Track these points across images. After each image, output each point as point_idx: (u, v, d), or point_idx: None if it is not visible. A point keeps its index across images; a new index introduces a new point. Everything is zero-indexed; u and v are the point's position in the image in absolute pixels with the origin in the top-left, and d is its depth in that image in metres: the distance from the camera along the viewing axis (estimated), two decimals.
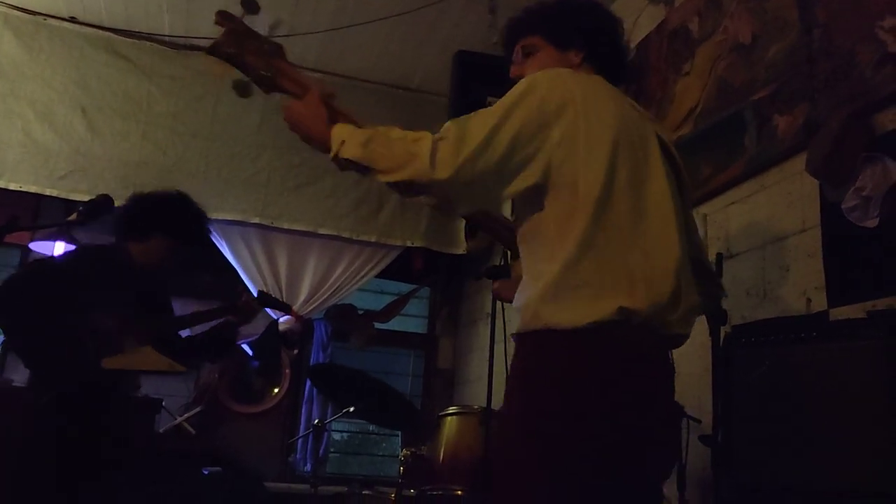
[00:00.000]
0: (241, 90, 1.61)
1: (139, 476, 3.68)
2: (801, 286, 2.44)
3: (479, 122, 1.40)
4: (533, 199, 1.44)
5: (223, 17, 1.60)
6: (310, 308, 4.95)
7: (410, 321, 5.73)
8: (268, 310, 4.84)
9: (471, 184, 1.38)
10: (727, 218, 2.88)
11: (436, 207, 1.46)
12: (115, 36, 4.59)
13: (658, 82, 3.48)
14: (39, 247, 4.71)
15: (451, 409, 2.64)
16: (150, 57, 4.67)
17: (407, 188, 1.40)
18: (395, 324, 5.56)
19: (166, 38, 4.68)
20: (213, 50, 1.57)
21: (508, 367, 1.44)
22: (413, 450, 2.67)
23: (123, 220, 2.83)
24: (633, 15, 3.80)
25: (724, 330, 2.28)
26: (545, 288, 1.38)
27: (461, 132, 1.39)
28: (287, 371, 5.26)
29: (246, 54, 1.57)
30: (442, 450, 2.55)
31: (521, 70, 1.69)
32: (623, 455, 1.31)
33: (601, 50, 1.69)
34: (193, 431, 4.62)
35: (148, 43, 4.67)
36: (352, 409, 2.96)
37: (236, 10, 1.66)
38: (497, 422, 2.37)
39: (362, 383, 2.90)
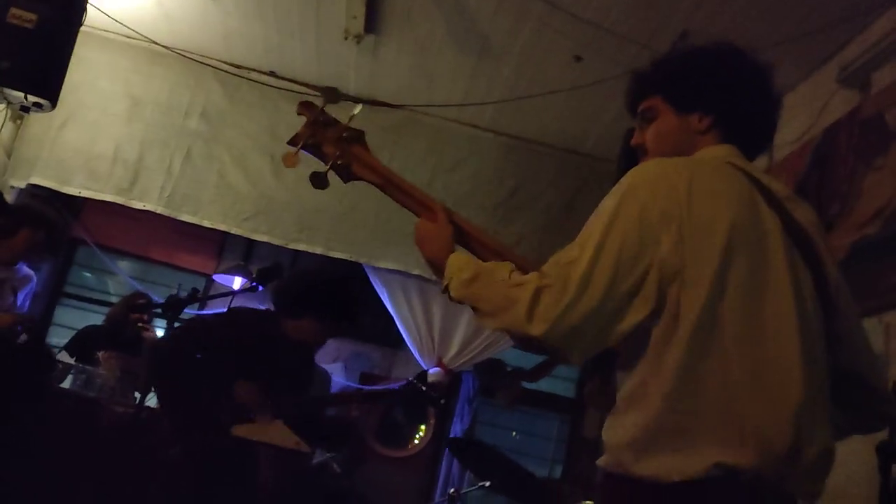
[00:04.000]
0: (318, 182, 1.52)
1: None
2: None
3: (576, 260, 1.20)
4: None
5: (305, 107, 1.56)
6: (460, 362, 5.02)
7: (559, 383, 5.66)
8: (419, 358, 4.98)
9: (573, 334, 1.17)
10: None
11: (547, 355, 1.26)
12: (306, 90, 4.93)
13: (845, 174, 3.26)
14: (221, 279, 5.13)
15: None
16: (335, 111, 4.95)
17: (509, 336, 1.22)
18: (543, 384, 5.51)
19: (350, 95, 4.98)
20: (293, 141, 1.53)
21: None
22: None
23: (280, 295, 2.94)
24: (822, 97, 3.60)
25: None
26: (632, 431, 1.20)
27: (563, 273, 1.19)
28: (432, 420, 5.37)
29: (324, 143, 1.52)
30: None
31: (640, 139, 1.46)
32: None
33: (733, 114, 1.40)
34: (339, 470, 4.79)
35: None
36: (488, 483, 2.97)
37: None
38: None
39: (502, 463, 2.90)
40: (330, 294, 2.90)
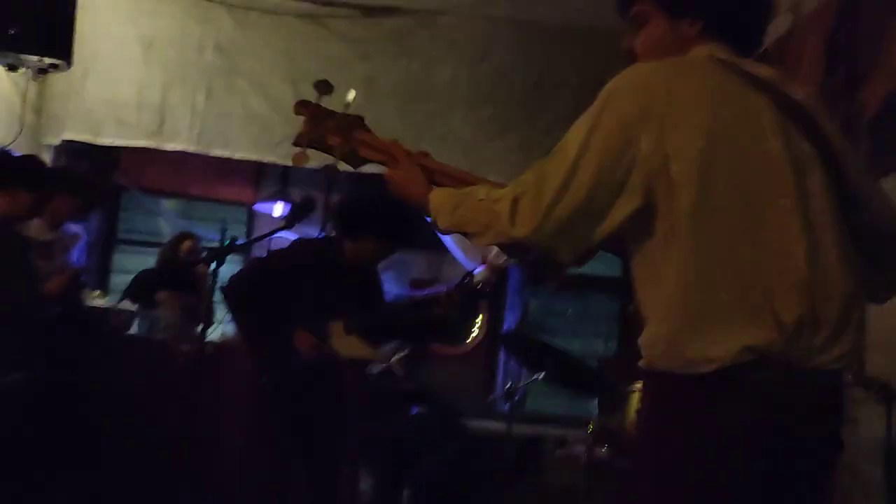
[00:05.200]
0: (330, 173, 1.63)
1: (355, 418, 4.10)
2: None
3: (557, 162, 1.29)
4: (639, 219, 1.28)
5: (301, 105, 1.60)
6: (504, 257, 5.09)
7: (605, 264, 5.72)
8: (463, 260, 5.08)
9: (559, 232, 1.27)
10: None
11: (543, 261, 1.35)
12: (315, 5, 4.86)
13: (874, 23, 3.12)
14: (262, 207, 5.25)
15: (639, 385, 2.66)
16: (346, 23, 4.90)
17: (502, 250, 1.33)
18: (591, 266, 5.56)
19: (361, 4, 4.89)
20: (298, 141, 1.59)
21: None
22: (601, 422, 2.75)
23: (336, 219, 3.07)
24: None
25: None
26: (658, 328, 1.27)
27: (539, 179, 1.29)
28: (485, 315, 5.52)
29: (327, 136, 1.58)
30: (629, 427, 2.60)
31: (630, 44, 1.47)
32: None
33: (723, 18, 1.41)
34: (402, 372, 5.01)
35: (344, 9, 4.90)
36: (542, 375, 3.09)
37: None
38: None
39: (552, 354, 3.01)
40: (385, 214, 3.00)
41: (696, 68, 1.35)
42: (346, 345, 2.96)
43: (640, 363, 1.32)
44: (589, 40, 4.93)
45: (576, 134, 1.30)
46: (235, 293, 2.96)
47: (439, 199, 1.44)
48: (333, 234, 3.15)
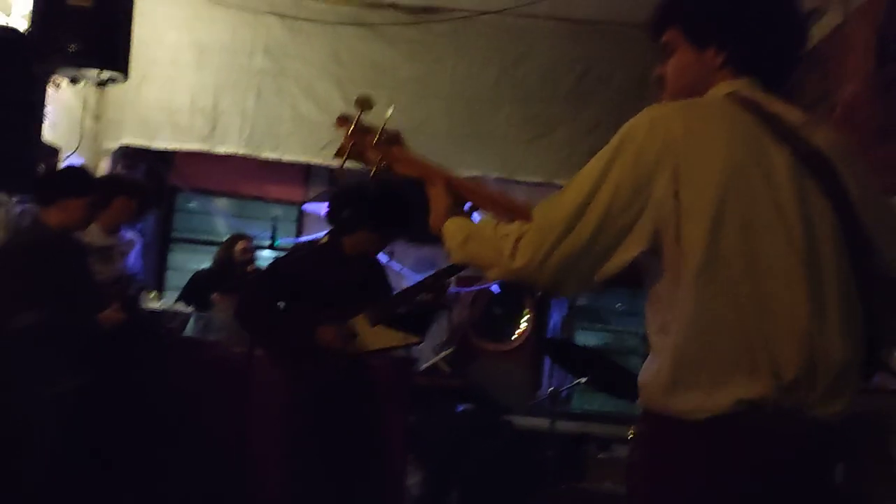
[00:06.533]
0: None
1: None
2: None
3: (566, 200, 1.29)
4: (650, 261, 1.30)
5: (342, 120, 1.66)
6: None
7: None
8: None
9: (561, 271, 1.28)
10: None
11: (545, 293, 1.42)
12: (362, 9, 4.93)
13: None
14: (311, 207, 5.36)
15: None
16: (393, 25, 4.97)
17: (510, 283, 1.37)
18: None
19: (406, 5, 4.94)
20: (339, 153, 1.66)
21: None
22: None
23: (331, 216, 3.05)
24: None
25: None
26: (657, 370, 1.29)
27: (544, 217, 1.30)
28: (531, 312, 5.56)
29: (366, 150, 1.64)
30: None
31: (662, 71, 1.45)
32: None
33: (747, 49, 1.38)
34: (448, 369, 5.07)
35: (391, 11, 4.96)
36: (584, 379, 3.12)
37: None
38: None
39: (596, 360, 3.03)
40: (374, 204, 2.97)
41: (715, 112, 1.32)
42: (376, 337, 2.93)
43: (638, 402, 1.36)
44: (631, 36, 4.89)
45: (590, 172, 1.30)
46: (250, 315, 2.98)
47: (452, 231, 1.45)
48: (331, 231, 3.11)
